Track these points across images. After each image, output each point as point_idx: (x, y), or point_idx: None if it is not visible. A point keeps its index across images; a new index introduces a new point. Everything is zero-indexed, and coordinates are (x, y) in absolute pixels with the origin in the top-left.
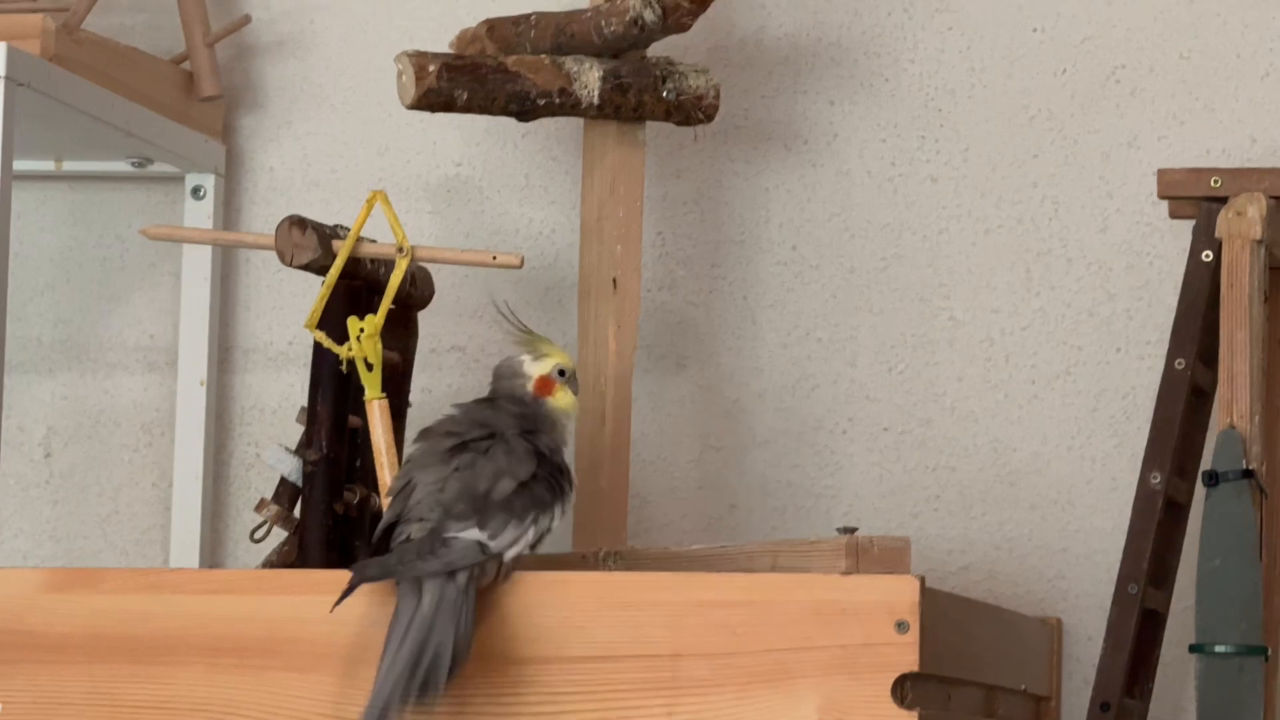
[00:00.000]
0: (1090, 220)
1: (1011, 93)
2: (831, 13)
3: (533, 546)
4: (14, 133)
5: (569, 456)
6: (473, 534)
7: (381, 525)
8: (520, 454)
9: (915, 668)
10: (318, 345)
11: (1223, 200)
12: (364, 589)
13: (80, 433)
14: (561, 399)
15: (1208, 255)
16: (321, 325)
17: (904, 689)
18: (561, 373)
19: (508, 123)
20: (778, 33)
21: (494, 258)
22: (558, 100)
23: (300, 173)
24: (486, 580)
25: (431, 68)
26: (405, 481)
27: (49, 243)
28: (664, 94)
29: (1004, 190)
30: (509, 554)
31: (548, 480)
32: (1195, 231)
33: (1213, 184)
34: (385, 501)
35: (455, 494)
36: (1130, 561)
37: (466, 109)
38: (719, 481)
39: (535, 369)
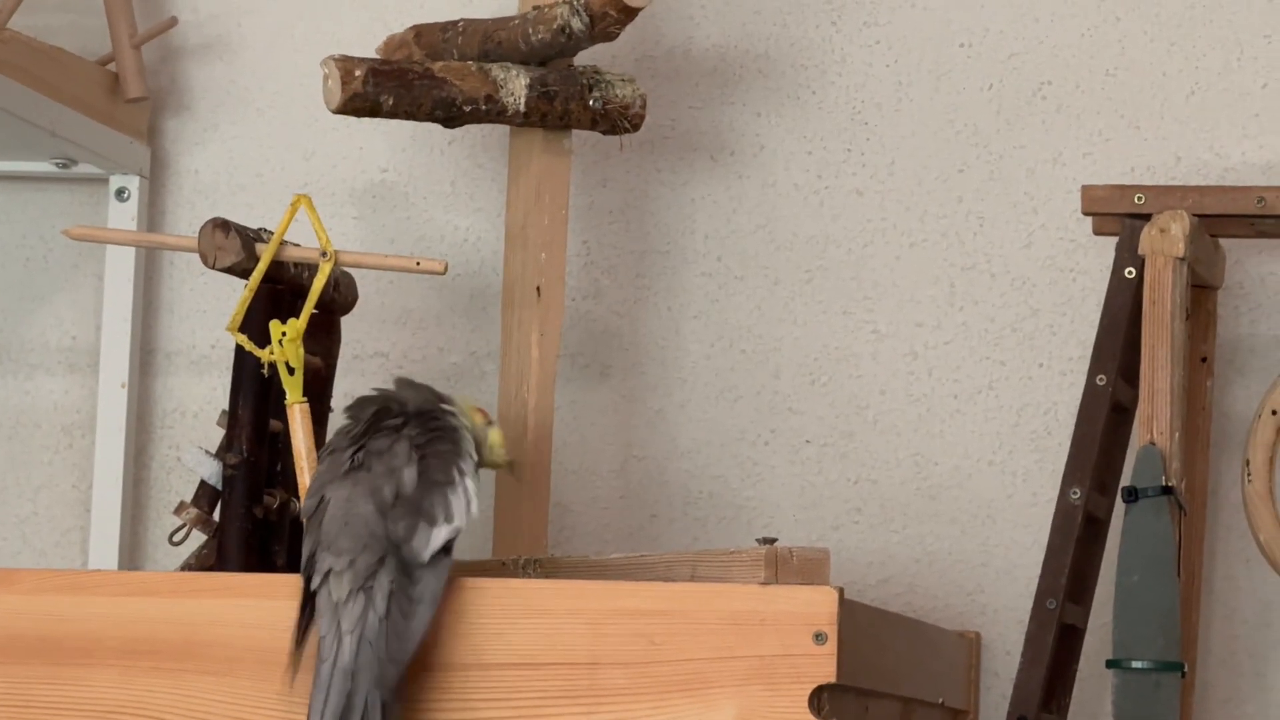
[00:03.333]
0: (1015, 235)
1: (938, 107)
2: (759, 25)
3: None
4: None
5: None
6: (438, 534)
7: (305, 554)
8: (389, 446)
9: (833, 679)
10: (239, 349)
11: (1146, 217)
12: (287, 593)
13: (0, 433)
14: (492, 435)
15: (1130, 272)
16: (243, 329)
17: (821, 700)
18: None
19: (434, 129)
20: (705, 44)
21: (418, 263)
22: (484, 107)
23: (225, 176)
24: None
25: (358, 72)
26: (318, 500)
27: None
28: (590, 103)
29: (929, 204)
30: (474, 512)
31: (431, 434)
32: (1118, 248)
33: (1136, 201)
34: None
35: (378, 511)
36: (1049, 576)
37: (392, 114)
38: (641, 491)
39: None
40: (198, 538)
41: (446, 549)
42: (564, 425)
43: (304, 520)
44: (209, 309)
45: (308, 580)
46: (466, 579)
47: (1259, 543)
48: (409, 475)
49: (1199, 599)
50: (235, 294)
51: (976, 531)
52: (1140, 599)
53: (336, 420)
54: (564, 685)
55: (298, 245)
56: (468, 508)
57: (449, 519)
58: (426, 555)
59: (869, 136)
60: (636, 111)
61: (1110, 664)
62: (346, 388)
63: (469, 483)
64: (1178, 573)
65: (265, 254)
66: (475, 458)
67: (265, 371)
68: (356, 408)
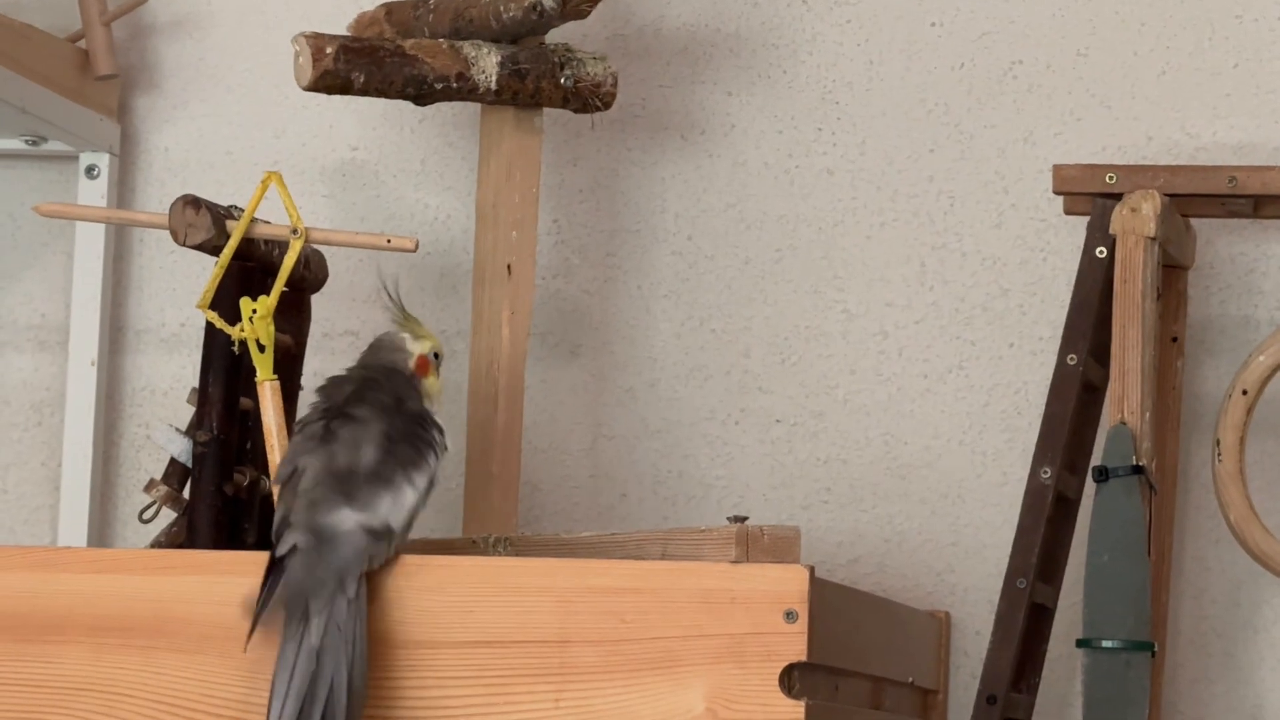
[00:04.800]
0: (985, 215)
1: (909, 86)
2: (730, 3)
3: (417, 510)
4: None
5: (458, 444)
6: (347, 516)
7: (276, 526)
8: (367, 418)
9: (803, 657)
10: (210, 326)
11: (1118, 197)
12: (257, 570)
13: None
14: (433, 383)
15: (1102, 251)
16: (214, 306)
17: (792, 679)
18: (436, 356)
19: (404, 107)
20: (676, 22)
21: (388, 241)
22: (455, 85)
23: (195, 153)
24: (379, 562)
25: (329, 50)
26: (291, 469)
27: None
28: (562, 81)
29: (900, 184)
30: (396, 521)
31: (411, 438)
32: (1090, 228)
33: (1108, 180)
34: (275, 487)
35: (315, 479)
36: (1019, 556)
37: (363, 92)
38: (611, 470)
39: (416, 347)
40: (167, 515)
41: (374, 536)
42: (534, 404)
43: (276, 488)
44: (179, 286)
45: (276, 545)
46: (436, 556)
47: (1229, 522)
48: (371, 452)
49: (1169, 579)
50: (205, 271)
51: (946, 511)
52: (1110, 578)
53: (307, 397)
54: (534, 663)
55: (268, 223)
56: (396, 508)
57: (366, 509)
58: (327, 532)
59: (840, 116)
60: (608, 90)
61: (1080, 643)
62: (317, 366)
63: (409, 493)
64: (1148, 552)
65: (236, 231)
66: (433, 479)
67: (236, 349)
68: (332, 387)
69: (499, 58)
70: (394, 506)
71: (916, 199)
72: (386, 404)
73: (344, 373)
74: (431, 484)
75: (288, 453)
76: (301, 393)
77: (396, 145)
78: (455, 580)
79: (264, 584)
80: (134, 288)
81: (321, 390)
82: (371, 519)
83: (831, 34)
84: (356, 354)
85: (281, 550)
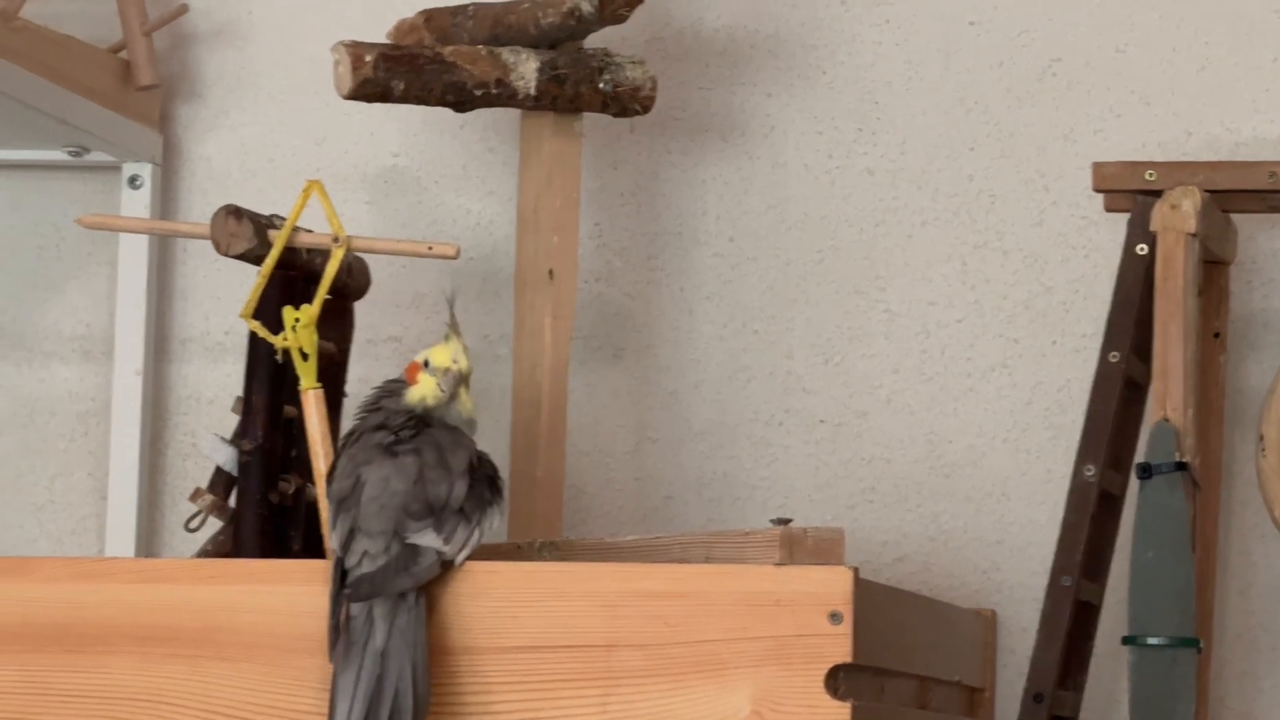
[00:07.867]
0: (1026, 213)
1: (948, 85)
2: (769, 5)
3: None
4: None
5: (502, 448)
6: (430, 540)
7: (341, 534)
8: (458, 454)
9: (849, 659)
10: (253, 335)
11: (1158, 194)
12: (303, 578)
13: (15, 421)
14: (414, 392)
15: (1142, 248)
16: (257, 315)
17: (837, 680)
18: (427, 364)
19: (445, 113)
20: (715, 25)
21: (430, 248)
22: (495, 91)
23: (237, 162)
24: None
25: (368, 58)
26: (354, 481)
27: None
28: (601, 85)
29: (940, 183)
30: (460, 558)
31: (487, 478)
32: (1130, 225)
33: (1148, 177)
34: (321, 492)
35: (408, 495)
36: (1064, 554)
37: (403, 99)
38: (655, 472)
39: (420, 355)
40: (213, 524)
41: (444, 564)
42: (577, 408)
43: (334, 502)
44: (223, 295)
45: (343, 556)
46: (481, 562)
47: (1274, 517)
48: (461, 488)
49: (1214, 574)
50: (249, 280)
51: (991, 509)
52: (1156, 575)
53: (354, 405)
54: (580, 668)
55: (310, 231)
56: (464, 546)
57: (448, 541)
58: (412, 545)
59: (879, 116)
60: (647, 93)
61: (1126, 640)
62: (360, 373)
63: (478, 533)
64: (1193, 548)
65: (278, 240)
66: (502, 509)
67: (279, 357)
68: (386, 396)
69: (538, 63)
70: (466, 543)
71: (957, 198)
72: (468, 445)
73: (395, 381)
74: (493, 528)
75: (345, 464)
76: (346, 399)
77: (438, 151)
78: (501, 585)
79: (334, 595)
80: (178, 297)
81: (378, 398)
82: (450, 549)
83: (870, 34)
84: (400, 360)
85: (351, 560)
